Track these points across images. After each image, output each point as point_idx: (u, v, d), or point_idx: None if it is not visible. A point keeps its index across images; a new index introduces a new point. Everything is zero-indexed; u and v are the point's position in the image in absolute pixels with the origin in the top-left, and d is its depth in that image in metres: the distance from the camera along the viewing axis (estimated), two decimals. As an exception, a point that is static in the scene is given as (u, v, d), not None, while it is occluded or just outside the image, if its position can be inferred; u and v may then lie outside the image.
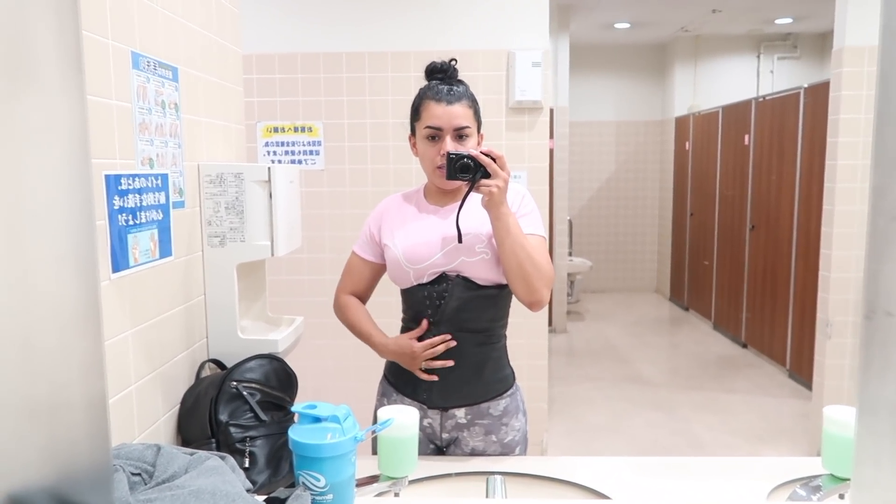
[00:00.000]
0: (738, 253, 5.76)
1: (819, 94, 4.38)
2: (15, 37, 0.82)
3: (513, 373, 1.65)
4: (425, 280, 1.55)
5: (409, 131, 1.63)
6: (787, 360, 4.91)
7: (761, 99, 5.40)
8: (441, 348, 1.52)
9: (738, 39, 7.18)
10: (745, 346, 5.65)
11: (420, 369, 1.54)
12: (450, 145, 1.50)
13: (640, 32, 6.97)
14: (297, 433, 1.05)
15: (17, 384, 0.82)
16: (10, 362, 0.83)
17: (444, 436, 1.60)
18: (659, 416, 4.18)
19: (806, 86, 4.68)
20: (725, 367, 5.19)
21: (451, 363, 1.53)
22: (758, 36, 7.13)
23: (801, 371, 4.67)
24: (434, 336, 1.53)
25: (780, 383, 4.79)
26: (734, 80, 7.18)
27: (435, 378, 1.54)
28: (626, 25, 6.62)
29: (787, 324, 4.91)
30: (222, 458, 1.05)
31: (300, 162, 3.21)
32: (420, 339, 1.55)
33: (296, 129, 3.20)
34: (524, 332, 3.03)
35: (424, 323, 1.54)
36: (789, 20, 6.41)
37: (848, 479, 1.25)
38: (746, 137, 5.55)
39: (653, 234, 7.96)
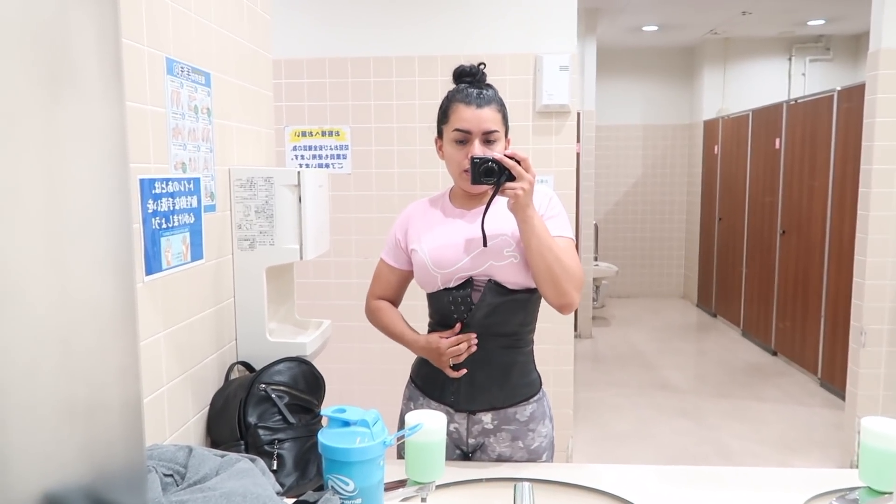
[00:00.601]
0: (768, 258, 5.67)
1: (853, 97, 4.30)
2: (57, 44, 0.84)
3: (540, 378, 1.64)
4: (452, 284, 1.54)
5: (435, 134, 1.63)
6: (818, 369, 4.81)
7: (793, 102, 5.31)
8: (464, 346, 1.52)
9: (769, 42, 7.08)
10: (774, 353, 5.55)
11: (448, 366, 1.54)
12: (478, 149, 1.50)
13: (669, 35, 6.90)
14: (326, 437, 1.05)
15: (57, 385, 0.84)
16: (50, 363, 0.85)
17: (471, 441, 1.60)
18: (686, 424, 4.12)
19: (839, 88, 4.59)
20: (754, 375, 5.11)
21: (475, 349, 1.52)
22: (789, 38, 7.02)
23: (834, 380, 4.58)
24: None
25: (811, 392, 4.70)
26: (765, 84, 7.07)
27: (464, 371, 1.53)
28: (654, 28, 6.56)
29: (818, 331, 4.81)
30: (252, 460, 1.06)
31: (327, 166, 3.23)
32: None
33: (323, 134, 3.22)
34: (550, 338, 3.01)
35: (458, 326, 1.54)
36: (822, 22, 6.30)
37: (887, 493, 1.22)
38: (777, 141, 5.47)
39: (680, 238, 7.87)
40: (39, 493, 0.86)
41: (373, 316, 1.70)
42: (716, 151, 6.84)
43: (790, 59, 7.08)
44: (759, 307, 5.86)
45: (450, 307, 1.54)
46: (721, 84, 7.19)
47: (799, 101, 5.22)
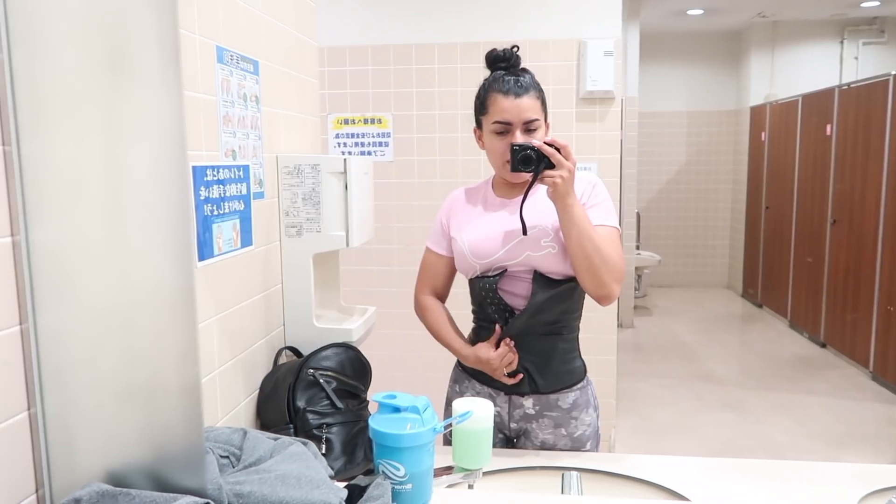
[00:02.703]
0: (818, 248, 5.51)
1: (911, 81, 4.13)
2: (118, 34, 0.85)
3: (584, 366, 1.62)
4: (491, 274, 1.54)
5: (474, 124, 1.60)
6: (870, 362, 4.67)
7: (845, 87, 5.13)
8: (514, 356, 1.52)
9: (820, 24, 6.84)
10: (823, 345, 5.40)
11: (504, 375, 1.55)
12: (520, 138, 1.47)
13: (714, 19, 6.72)
14: (377, 423, 1.06)
15: (120, 368, 0.86)
16: (112, 347, 0.87)
17: (513, 425, 1.59)
18: (731, 417, 4.05)
19: (895, 72, 4.42)
20: (802, 367, 4.98)
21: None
22: (841, 20, 6.77)
23: (886, 373, 4.44)
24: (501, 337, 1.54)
25: (862, 385, 4.56)
26: (815, 68, 6.84)
27: (521, 376, 1.55)
28: (700, 12, 6.40)
29: (870, 323, 4.66)
30: (304, 444, 1.08)
31: (369, 153, 3.24)
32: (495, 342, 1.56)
33: (366, 121, 3.23)
34: (592, 327, 2.98)
35: (498, 328, 1.54)
36: (876, 3, 6.06)
37: (952, 490, 1.18)
38: (828, 127, 5.29)
39: (724, 227, 7.70)
40: (103, 471, 0.88)
41: (422, 315, 1.69)
42: (763, 138, 6.66)
43: (842, 43, 6.83)
44: (807, 298, 5.70)
45: (481, 293, 1.55)
46: (769, 69, 6.99)
47: (852, 85, 5.04)
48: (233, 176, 1.49)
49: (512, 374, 1.54)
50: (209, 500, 0.85)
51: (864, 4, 6.12)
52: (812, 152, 5.61)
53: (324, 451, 1.49)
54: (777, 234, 6.37)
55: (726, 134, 7.55)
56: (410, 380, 3.17)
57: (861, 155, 4.82)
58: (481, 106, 1.54)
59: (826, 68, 6.84)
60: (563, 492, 1.37)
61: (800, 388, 4.54)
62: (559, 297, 1.51)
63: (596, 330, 3.03)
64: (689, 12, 6.41)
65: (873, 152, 4.64)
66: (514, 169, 1.43)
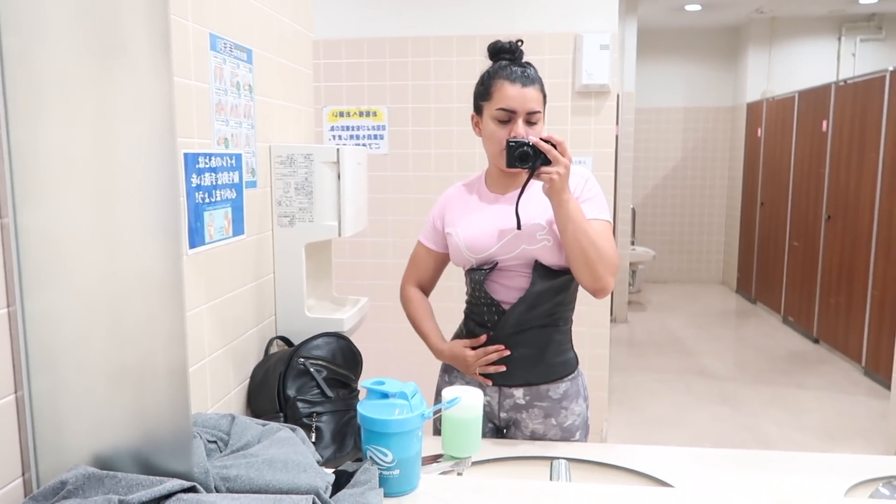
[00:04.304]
0: (811, 244, 5.53)
1: (906, 78, 4.14)
2: (109, 18, 0.85)
3: (576, 357, 1.63)
4: (485, 267, 1.55)
5: (472, 110, 1.59)
6: (862, 357, 4.69)
7: (842, 83, 5.13)
8: (494, 356, 1.53)
9: (818, 21, 6.84)
10: (816, 341, 5.42)
11: (476, 374, 1.57)
12: (521, 128, 1.48)
13: (712, 15, 6.72)
14: (365, 408, 1.07)
15: (109, 351, 0.86)
16: (100, 330, 0.88)
17: (503, 415, 1.60)
18: (724, 411, 4.07)
19: (892, 69, 4.42)
20: (795, 363, 5.01)
21: (503, 369, 1.54)
22: (839, 17, 6.77)
23: (879, 368, 4.46)
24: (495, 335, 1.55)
25: (854, 381, 4.58)
26: (812, 65, 6.84)
27: (489, 382, 1.57)
28: (698, 8, 6.40)
29: (863, 319, 4.68)
30: (293, 430, 1.08)
31: (365, 146, 3.24)
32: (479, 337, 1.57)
33: (361, 114, 3.23)
34: (586, 321, 2.99)
35: (483, 337, 1.56)
36: (874, 0, 6.07)
37: (936, 480, 1.19)
38: (824, 123, 5.30)
39: (720, 224, 7.72)
40: (90, 454, 0.89)
41: (405, 304, 1.73)
42: (759, 134, 6.67)
43: (839, 39, 6.83)
44: (801, 294, 5.72)
45: (472, 286, 1.57)
46: (766, 65, 6.99)
47: (849, 81, 5.05)
48: (225, 164, 1.49)
49: (488, 375, 1.56)
50: (196, 484, 0.85)
51: (862, 1, 6.13)
52: (808, 149, 5.62)
53: (313, 440, 1.49)
54: (772, 230, 6.38)
55: (723, 130, 7.55)
56: (403, 373, 3.17)
57: (856, 151, 4.83)
58: (485, 92, 1.53)
59: (823, 65, 6.85)
60: (551, 480, 1.38)
61: (793, 382, 4.56)
62: (557, 288, 1.52)
63: (589, 324, 3.04)
64: (688, 7, 6.41)
65: (868, 149, 4.65)
66: (511, 165, 1.43)
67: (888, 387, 3.71)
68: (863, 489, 1.34)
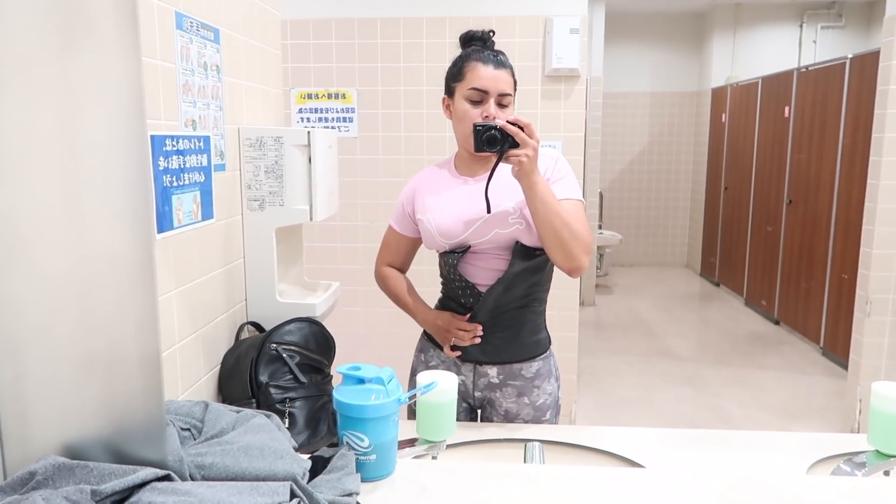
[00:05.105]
0: (773, 228, 5.65)
1: (866, 65, 4.23)
2: (71, -9, 0.82)
3: (549, 338, 1.65)
4: (458, 250, 1.55)
5: (443, 93, 1.59)
6: (821, 338, 4.83)
7: (804, 69, 5.24)
8: (468, 335, 1.54)
9: (780, 8, 6.95)
10: (777, 322, 5.57)
11: (448, 344, 1.58)
12: (493, 108, 1.48)
13: (678, 1, 6.78)
14: (341, 394, 1.06)
15: (77, 338, 0.84)
16: (67, 317, 0.85)
17: (477, 394, 1.62)
18: (688, 391, 4.16)
19: (851, 56, 4.52)
20: (757, 344, 5.13)
21: (477, 342, 1.56)
22: (801, 4, 6.89)
23: (836, 349, 4.60)
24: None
25: (813, 361, 4.72)
26: (775, 51, 6.96)
27: (458, 353, 1.58)
28: (665, -7, 6.45)
29: (822, 301, 4.82)
30: (268, 416, 1.07)
31: (334, 129, 3.20)
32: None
33: (329, 96, 3.18)
34: (555, 304, 3.00)
35: (467, 317, 1.57)
36: (835, -12, 6.19)
37: (895, 456, 1.23)
38: (787, 109, 5.41)
39: (685, 208, 7.84)
40: (59, 444, 0.86)
41: (382, 283, 1.72)
42: (723, 120, 6.77)
43: (801, 26, 6.96)
44: (762, 277, 5.86)
45: (446, 269, 1.58)
46: (730, 51, 7.09)
47: (810, 68, 5.15)
48: (193, 147, 1.46)
49: (455, 348, 1.58)
50: (170, 472, 0.84)
51: (822, -11, 6.24)
52: (770, 134, 5.73)
53: (287, 426, 1.48)
54: (735, 214, 6.51)
55: (688, 115, 7.65)
56: (375, 357, 3.17)
57: (817, 137, 4.94)
58: (458, 73, 1.53)
59: (785, 51, 6.97)
60: (525, 462, 1.39)
61: (754, 363, 4.67)
62: (533, 268, 1.54)
63: (558, 307, 3.07)
64: (654, -7, 6.45)
65: (829, 133, 4.76)
66: (479, 149, 1.42)
67: (845, 367, 3.84)
68: (823, 466, 1.38)
